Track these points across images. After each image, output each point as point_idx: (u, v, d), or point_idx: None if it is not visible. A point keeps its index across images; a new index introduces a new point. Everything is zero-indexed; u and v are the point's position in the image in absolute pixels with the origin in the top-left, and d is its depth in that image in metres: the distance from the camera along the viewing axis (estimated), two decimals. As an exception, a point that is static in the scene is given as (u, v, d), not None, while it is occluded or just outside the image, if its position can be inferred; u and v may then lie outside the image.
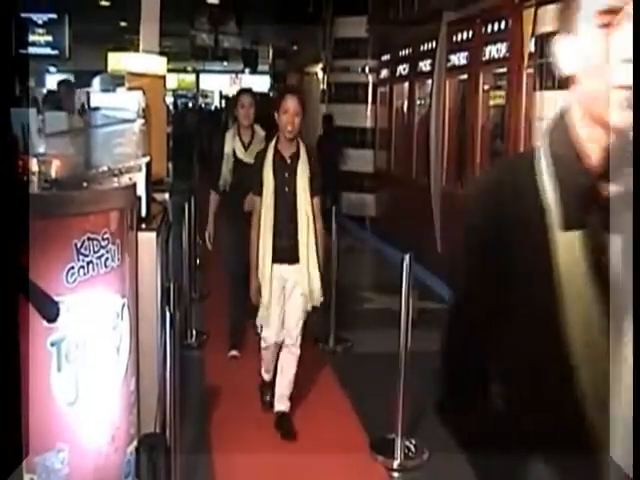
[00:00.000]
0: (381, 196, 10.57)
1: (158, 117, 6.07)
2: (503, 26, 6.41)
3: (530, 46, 5.48)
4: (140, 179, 3.28)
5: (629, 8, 0.94)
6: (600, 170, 1.01)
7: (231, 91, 24.45)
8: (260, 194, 3.59)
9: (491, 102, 6.93)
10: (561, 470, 1.03)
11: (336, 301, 4.97)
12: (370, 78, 10.85)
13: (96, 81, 6.97)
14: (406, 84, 9.42)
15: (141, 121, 3.61)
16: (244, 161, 4.54)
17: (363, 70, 10.93)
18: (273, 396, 3.84)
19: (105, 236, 2.51)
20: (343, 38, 11.15)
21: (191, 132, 14.92)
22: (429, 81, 8.20)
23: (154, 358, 3.08)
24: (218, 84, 28.00)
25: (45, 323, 2.17)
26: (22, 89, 5.00)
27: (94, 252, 2.47)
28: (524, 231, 1.03)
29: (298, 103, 3.55)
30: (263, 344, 3.75)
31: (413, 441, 3.64)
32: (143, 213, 3.31)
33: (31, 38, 10.17)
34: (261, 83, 22.56)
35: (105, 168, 3.08)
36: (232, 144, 4.63)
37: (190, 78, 28.69)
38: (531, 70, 5.26)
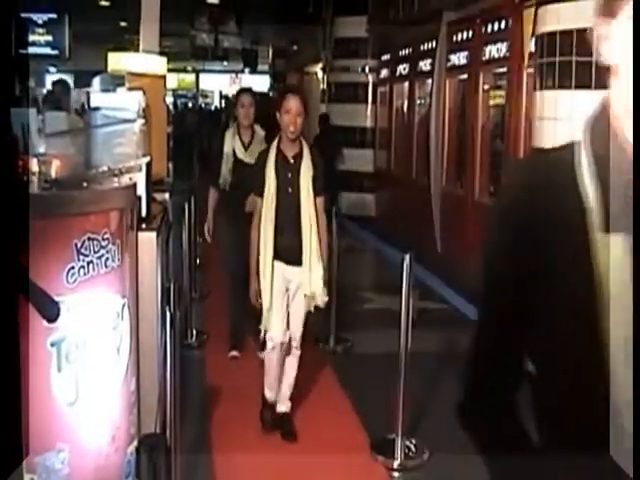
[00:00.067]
0: (381, 196, 10.57)
1: (158, 117, 6.07)
2: (503, 26, 6.41)
3: (530, 46, 5.48)
4: (140, 179, 3.28)
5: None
6: None
7: (231, 91, 24.45)
8: (262, 195, 3.53)
9: (491, 102, 6.93)
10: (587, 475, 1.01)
11: (336, 301, 4.97)
12: (370, 78, 10.86)
13: (96, 81, 6.97)
14: (406, 84, 9.42)
15: (141, 121, 3.61)
16: (244, 161, 4.54)
17: (363, 70, 10.93)
18: (275, 416, 3.76)
19: (105, 236, 2.51)
20: (343, 38, 11.15)
21: (191, 132, 14.93)
22: (429, 81, 8.20)
23: (154, 358, 3.08)
24: (218, 84, 28.00)
25: (45, 323, 2.17)
26: (22, 89, 5.00)
27: (94, 252, 2.46)
28: (561, 230, 0.98)
29: (300, 103, 3.50)
30: (269, 344, 3.65)
31: (413, 441, 3.64)
32: (143, 213, 3.30)
33: (31, 38, 10.17)
34: (261, 83, 22.55)
35: (105, 168, 3.08)
36: (232, 144, 4.62)
37: (190, 78, 28.69)
38: (531, 70, 5.26)
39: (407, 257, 3.63)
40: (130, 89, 5.63)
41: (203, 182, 5.70)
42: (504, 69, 6.46)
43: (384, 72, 10.45)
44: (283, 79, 18.98)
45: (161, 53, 8.07)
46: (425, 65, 8.45)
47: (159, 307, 3.16)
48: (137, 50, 8.25)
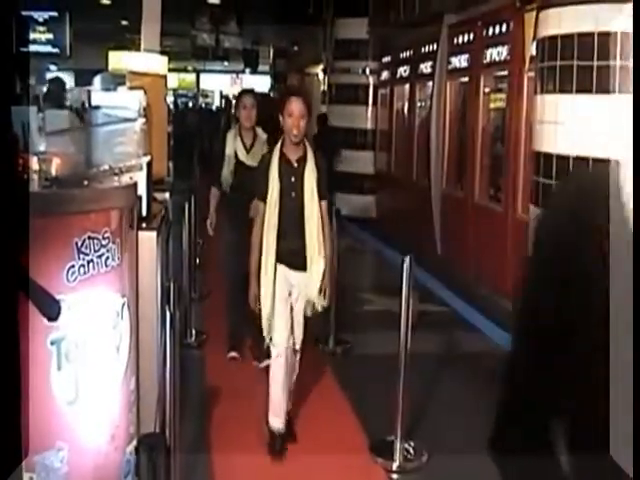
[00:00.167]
0: (381, 198, 10.57)
1: (159, 116, 6.06)
2: (504, 29, 6.41)
3: (531, 49, 5.48)
4: (141, 178, 3.27)
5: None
6: None
7: (231, 91, 24.50)
8: (264, 199, 3.44)
9: (492, 105, 6.93)
10: None
11: (336, 302, 4.97)
12: (371, 80, 10.86)
13: (97, 80, 6.96)
14: (407, 86, 9.42)
15: (142, 120, 3.60)
16: (246, 164, 4.51)
17: (364, 71, 10.94)
18: (285, 445, 3.54)
19: (106, 235, 2.51)
20: (344, 39, 11.16)
21: (191, 132, 14.92)
22: (430, 83, 8.20)
23: (154, 357, 3.08)
24: (218, 84, 28.03)
25: (45, 322, 2.17)
26: (23, 87, 5.00)
27: (94, 251, 2.46)
28: (609, 244, 0.97)
29: (303, 105, 3.41)
30: (274, 352, 3.50)
31: (412, 443, 3.63)
32: (144, 212, 3.30)
33: (32, 36, 10.19)
34: (262, 83, 22.58)
35: (106, 167, 3.08)
36: (233, 145, 4.60)
37: (191, 78, 28.71)
38: (532, 73, 5.26)
39: (407, 259, 3.63)
40: (131, 88, 5.61)
41: (203, 182, 5.70)
42: (505, 72, 6.46)
43: (385, 74, 10.46)
44: (284, 80, 19.00)
45: (162, 52, 8.09)
46: (426, 67, 8.45)
47: (159, 307, 3.16)
48: (138, 49, 8.27)
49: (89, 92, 3.78)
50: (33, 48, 10.09)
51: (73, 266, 2.39)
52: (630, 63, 3.68)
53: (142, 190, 3.24)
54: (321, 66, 13.34)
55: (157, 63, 7.75)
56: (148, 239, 3.14)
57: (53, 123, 2.98)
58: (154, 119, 4.92)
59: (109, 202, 2.61)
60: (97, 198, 2.59)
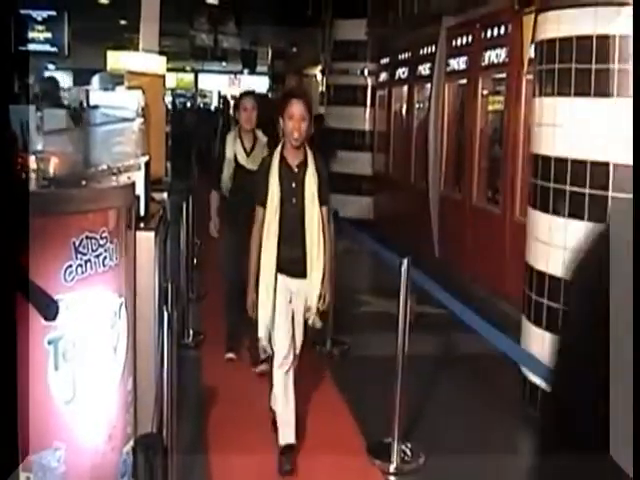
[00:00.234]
0: (379, 199, 10.57)
1: (157, 116, 6.05)
2: (503, 32, 6.42)
3: (530, 52, 5.49)
4: (139, 178, 3.26)
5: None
6: None
7: (230, 91, 24.49)
8: (264, 204, 3.33)
9: (490, 107, 6.94)
10: None
11: (334, 304, 4.96)
12: (369, 81, 10.87)
13: (95, 79, 6.95)
14: (405, 88, 9.43)
15: (140, 120, 3.59)
16: (246, 167, 4.44)
17: (362, 73, 10.94)
18: (294, 460, 3.42)
19: (103, 235, 2.50)
20: (342, 40, 11.16)
21: (190, 132, 14.92)
22: (428, 85, 8.21)
23: (151, 357, 3.07)
24: (217, 84, 28.01)
25: (43, 321, 2.16)
26: (21, 86, 5.00)
27: (92, 251, 2.46)
28: None
29: (304, 107, 3.30)
30: (276, 363, 3.38)
31: (410, 445, 3.63)
32: (141, 212, 3.29)
33: (30, 35, 10.17)
34: (260, 84, 22.56)
35: (104, 167, 3.07)
36: (233, 148, 4.53)
37: (189, 78, 28.69)
38: (530, 76, 5.27)
39: (405, 261, 3.63)
40: (129, 88, 5.61)
41: (202, 182, 5.68)
42: (503, 75, 6.47)
43: (383, 75, 10.46)
44: (282, 81, 18.99)
45: (160, 52, 8.07)
46: (424, 69, 8.46)
47: (156, 307, 3.15)
48: (137, 49, 8.25)
49: (87, 92, 3.77)
50: (31, 47, 10.07)
51: (71, 266, 2.38)
52: (628, 66, 3.68)
53: (140, 190, 3.23)
54: (319, 67, 13.35)
55: (155, 63, 7.74)
56: (146, 239, 3.14)
57: (51, 122, 2.97)
58: (152, 119, 4.91)
59: (107, 202, 2.60)
60: (95, 198, 2.58)
